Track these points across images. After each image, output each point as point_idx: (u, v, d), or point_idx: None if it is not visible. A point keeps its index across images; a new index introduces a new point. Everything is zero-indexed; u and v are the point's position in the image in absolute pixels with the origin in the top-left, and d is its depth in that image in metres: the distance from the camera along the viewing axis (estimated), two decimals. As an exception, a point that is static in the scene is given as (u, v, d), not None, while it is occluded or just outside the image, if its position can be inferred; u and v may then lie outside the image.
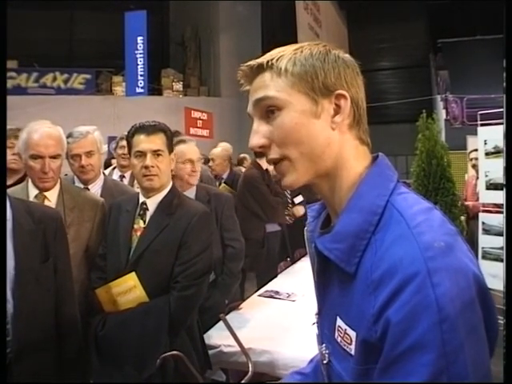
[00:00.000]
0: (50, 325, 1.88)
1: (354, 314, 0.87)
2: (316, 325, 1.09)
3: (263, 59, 0.96)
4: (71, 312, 1.97)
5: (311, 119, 0.93)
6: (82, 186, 2.73)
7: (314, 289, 1.07)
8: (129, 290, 2.11)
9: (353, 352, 0.88)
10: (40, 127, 2.27)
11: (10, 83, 12.40)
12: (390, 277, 0.79)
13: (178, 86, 13.79)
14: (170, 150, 2.28)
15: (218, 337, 2.52)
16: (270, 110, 0.94)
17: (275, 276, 4.00)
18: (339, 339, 0.92)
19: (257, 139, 0.96)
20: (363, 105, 0.98)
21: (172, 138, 2.33)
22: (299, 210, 5.03)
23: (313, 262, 1.04)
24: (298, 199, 5.04)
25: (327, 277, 0.99)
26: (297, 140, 0.92)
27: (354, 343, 0.87)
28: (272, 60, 0.94)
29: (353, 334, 0.88)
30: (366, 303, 0.83)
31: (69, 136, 2.64)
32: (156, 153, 2.19)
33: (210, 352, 2.42)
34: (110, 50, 14.04)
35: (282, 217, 4.80)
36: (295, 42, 1.00)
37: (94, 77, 13.19)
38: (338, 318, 0.93)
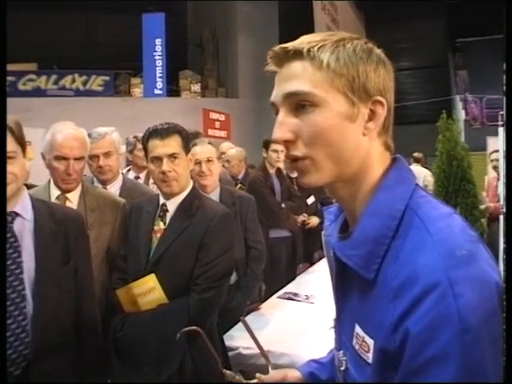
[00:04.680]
0: (70, 326, 1.88)
1: (372, 322, 0.85)
2: (334, 330, 1.08)
3: (301, 45, 0.88)
4: (91, 313, 1.97)
5: (346, 122, 0.87)
6: (100, 186, 2.75)
7: (333, 294, 1.05)
8: (148, 291, 2.11)
9: (370, 360, 0.85)
10: (64, 129, 2.29)
11: (29, 85, 12.63)
12: (410, 286, 0.77)
13: (196, 87, 13.77)
14: (187, 151, 2.25)
15: (236, 338, 2.51)
16: (301, 103, 0.88)
17: (290, 282, 3.94)
18: (357, 346, 0.90)
19: (283, 132, 0.89)
20: (392, 110, 0.94)
21: (188, 138, 2.30)
22: (314, 221, 4.95)
23: (331, 267, 1.02)
24: (310, 200, 4.99)
25: (346, 282, 0.96)
26: (327, 142, 0.87)
27: (371, 351, 0.85)
28: (313, 49, 0.87)
29: (371, 342, 0.85)
30: (385, 311, 0.80)
31: (87, 137, 2.66)
32: (172, 156, 2.16)
33: (229, 354, 2.41)
34: (128, 51, 14.15)
35: (287, 222, 4.61)
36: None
37: (112, 78, 13.29)
38: (357, 325, 0.90)
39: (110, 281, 2.28)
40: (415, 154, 9.08)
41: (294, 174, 4.91)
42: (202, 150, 2.97)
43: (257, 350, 2.23)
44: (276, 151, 4.54)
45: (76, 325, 1.90)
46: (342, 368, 0.98)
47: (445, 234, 0.80)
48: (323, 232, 1.07)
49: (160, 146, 2.16)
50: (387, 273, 0.83)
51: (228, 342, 2.46)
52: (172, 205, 2.22)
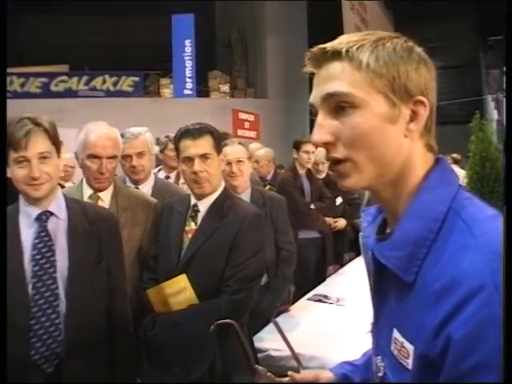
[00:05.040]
0: (102, 325, 1.89)
1: (412, 327, 0.82)
2: (371, 334, 1.05)
3: (339, 45, 0.87)
4: (123, 313, 1.99)
5: (386, 123, 0.85)
6: (132, 186, 2.75)
7: (370, 296, 1.02)
8: (179, 291, 2.10)
9: (410, 366, 0.83)
10: (97, 128, 2.32)
11: (61, 86, 12.87)
12: (453, 289, 0.74)
13: (225, 87, 13.79)
14: (219, 151, 2.24)
15: (266, 340, 2.50)
16: (340, 105, 0.86)
17: (319, 283, 3.91)
18: (395, 352, 0.87)
19: (321, 135, 0.88)
20: (435, 110, 0.91)
21: (220, 139, 2.29)
22: (341, 224, 4.89)
23: (369, 269, 1.00)
24: (338, 201, 4.93)
25: (384, 285, 0.94)
26: (368, 144, 0.85)
27: (411, 357, 0.82)
28: (351, 49, 0.85)
29: (410, 347, 0.82)
30: (426, 316, 0.78)
31: (120, 136, 2.67)
32: (204, 157, 2.15)
33: (258, 356, 2.39)
34: (157, 52, 14.30)
35: (316, 222, 4.56)
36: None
37: (142, 79, 13.40)
38: (395, 330, 0.88)
39: (140, 280, 2.28)
40: (454, 155, 8.90)
41: (321, 176, 4.89)
42: (232, 150, 2.97)
43: (287, 353, 2.22)
44: (307, 152, 4.50)
45: (108, 324, 1.91)
46: (380, 374, 0.95)
47: (490, 237, 0.77)
48: (361, 233, 1.05)
49: (192, 147, 2.15)
50: (427, 276, 0.81)
51: (257, 344, 2.45)
52: (203, 205, 2.21)
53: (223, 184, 2.29)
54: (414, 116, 0.87)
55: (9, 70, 12.13)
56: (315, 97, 0.90)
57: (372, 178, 0.88)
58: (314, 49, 0.89)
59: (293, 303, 3.34)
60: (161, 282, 2.16)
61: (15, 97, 12.19)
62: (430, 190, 0.87)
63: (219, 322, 1.54)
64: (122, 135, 2.64)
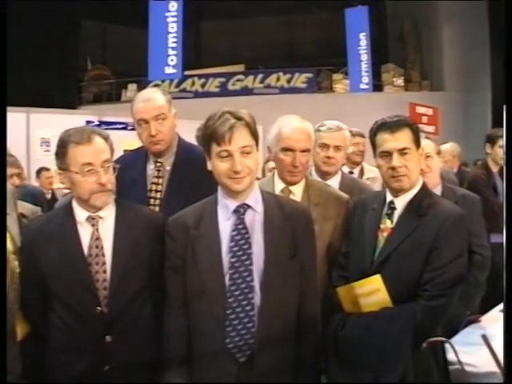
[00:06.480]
0: (293, 321, 1.88)
1: None
2: None
3: None
4: (313, 310, 1.96)
5: None
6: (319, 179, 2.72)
7: None
8: (372, 292, 2.02)
9: None
10: (291, 122, 2.34)
11: (238, 85, 13.65)
12: None
13: (399, 81, 13.49)
14: (418, 146, 2.11)
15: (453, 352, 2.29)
16: None
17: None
18: None
19: None
20: None
21: (418, 132, 2.16)
22: None
23: None
24: None
25: None
26: None
27: None
28: None
29: None
30: None
31: (321, 126, 2.71)
32: (402, 151, 2.04)
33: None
34: (328, 48, 14.40)
35: None
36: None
37: (314, 75, 13.64)
38: None
39: (329, 278, 2.25)
40: None
41: None
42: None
43: (482, 370, 2.00)
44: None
45: (297, 320, 1.89)
46: None
47: None
48: None
49: (390, 140, 2.06)
50: None
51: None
52: (400, 202, 2.09)
53: (421, 180, 2.15)
54: None
55: (190, 72, 13.17)
56: None
57: None
58: None
59: (480, 313, 3.07)
60: (352, 281, 2.09)
61: (196, 96, 13.16)
62: None
63: (432, 339, 1.41)
64: (323, 125, 2.67)
